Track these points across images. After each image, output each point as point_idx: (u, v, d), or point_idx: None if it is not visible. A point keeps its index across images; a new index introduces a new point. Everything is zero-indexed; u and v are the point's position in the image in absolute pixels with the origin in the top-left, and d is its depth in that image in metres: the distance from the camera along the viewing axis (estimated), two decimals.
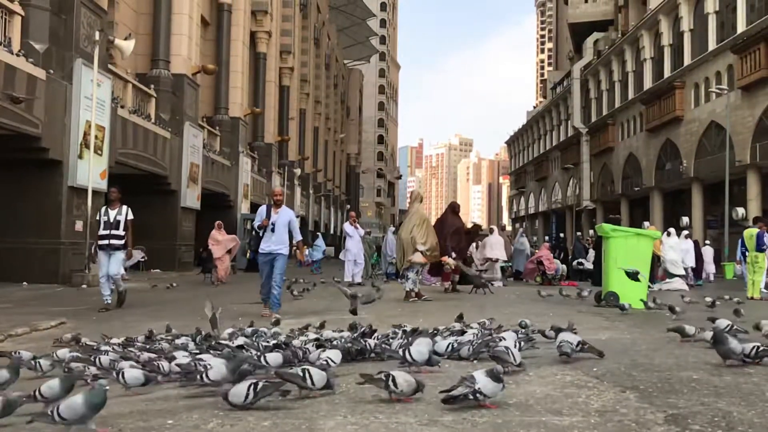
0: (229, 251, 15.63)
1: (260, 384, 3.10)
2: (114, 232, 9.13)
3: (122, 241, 9.19)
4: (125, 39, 17.00)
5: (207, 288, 14.24)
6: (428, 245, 10.62)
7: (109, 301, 9.16)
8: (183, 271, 21.08)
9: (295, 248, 9.16)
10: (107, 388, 2.69)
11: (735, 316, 6.44)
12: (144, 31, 21.85)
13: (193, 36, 23.17)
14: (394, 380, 3.18)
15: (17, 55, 13.05)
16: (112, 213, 9.23)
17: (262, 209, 8.66)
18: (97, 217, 9.44)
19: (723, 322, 5.53)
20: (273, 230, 8.32)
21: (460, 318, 6.03)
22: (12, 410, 2.82)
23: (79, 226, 14.83)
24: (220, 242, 15.40)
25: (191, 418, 3.04)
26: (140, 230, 19.84)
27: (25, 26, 13.89)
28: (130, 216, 9.32)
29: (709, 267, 20.14)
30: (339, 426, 2.88)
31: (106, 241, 9.08)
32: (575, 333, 4.85)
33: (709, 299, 9.20)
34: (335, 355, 4.05)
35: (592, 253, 18.29)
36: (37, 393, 3.02)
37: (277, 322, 6.28)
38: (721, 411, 3.11)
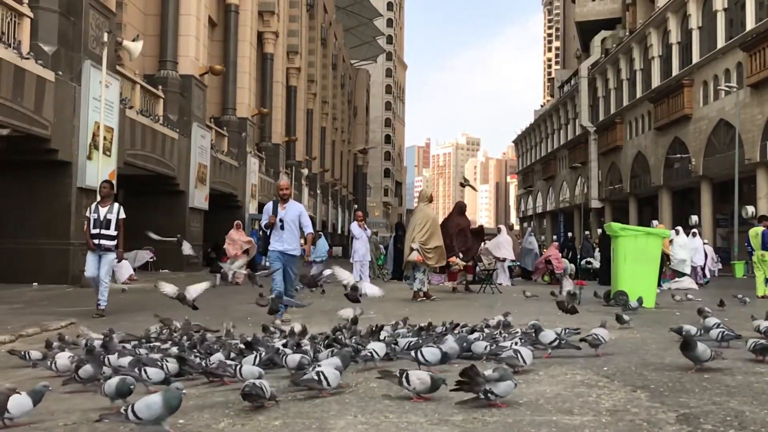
0: (246, 252, 15.63)
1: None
2: (104, 231, 8.47)
3: (114, 242, 8.54)
4: (133, 40, 17.05)
5: (216, 288, 14.24)
6: (429, 245, 10.58)
7: (103, 306, 8.46)
8: (191, 271, 21.14)
9: (302, 244, 8.36)
10: (184, 391, 2.70)
11: (699, 315, 6.16)
12: (152, 32, 21.93)
13: (200, 37, 23.25)
14: (407, 377, 3.22)
15: (27, 57, 13.13)
16: (103, 211, 8.54)
17: (268, 206, 7.92)
18: (87, 214, 8.74)
19: (711, 321, 5.43)
20: (282, 227, 7.65)
21: (506, 316, 6.01)
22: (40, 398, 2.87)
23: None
24: (236, 242, 15.43)
25: (202, 417, 3.06)
26: (148, 230, 20.01)
27: (34, 28, 13.96)
28: (122, 215, 8.63)
29: (712, 265, 20.23)
30: (349, 425, 2.88)
31: (96, 241, 8.43)
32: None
33: (687, 296, 9.14)
34: (380, 348, 4.11)
35: (598, 252, 18.27)
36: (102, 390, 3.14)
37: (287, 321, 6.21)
38: (734, 410, 3.09)
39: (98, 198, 9.09)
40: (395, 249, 16.71)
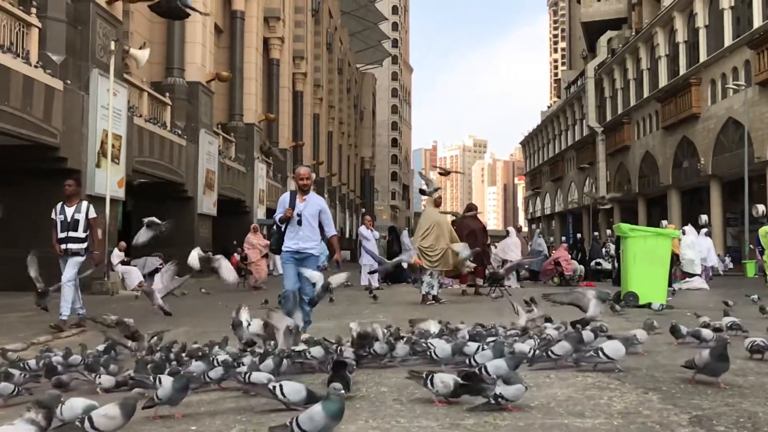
0: (266, 256, 15.63)
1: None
2: (72, 234, 7.60)
3: (83, 245, 7.68)
4: (140, 48, 17.17)
5: (230, 294, 14.30)
6: (433, 248, 10.55)
7: (70, 314, 7.82)
8: (200, 277, 21.18)
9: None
10: (342, 392, 2.58)
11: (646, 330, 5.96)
12: (158, 40, 22.06)
13: (206, 44, 23.36)
14: (431, 379, 3.26)
15: (35, 66, 13.24)
16: (69, 211, 7.63)
17: (285, 197, 6.73)
18: (53, 216, 7.81)
19: (707, 334, 5.25)
20: (300, 223, 6.49)
21: (548, 320, 5.94)
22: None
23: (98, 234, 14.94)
24: (255, 246, 15.45)
25: (214, 423, 3.06)
26: (158, 237, 20.03)
27: (42, 38, 14.06)
28: (92, 213, 7.76)
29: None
30: (360, 430, 2.88)
31: (63, 246, 7.63)
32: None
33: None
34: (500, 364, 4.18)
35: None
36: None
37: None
38: (747, 412, 3.07)
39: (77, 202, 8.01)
40: (388, 253, 16.77)
